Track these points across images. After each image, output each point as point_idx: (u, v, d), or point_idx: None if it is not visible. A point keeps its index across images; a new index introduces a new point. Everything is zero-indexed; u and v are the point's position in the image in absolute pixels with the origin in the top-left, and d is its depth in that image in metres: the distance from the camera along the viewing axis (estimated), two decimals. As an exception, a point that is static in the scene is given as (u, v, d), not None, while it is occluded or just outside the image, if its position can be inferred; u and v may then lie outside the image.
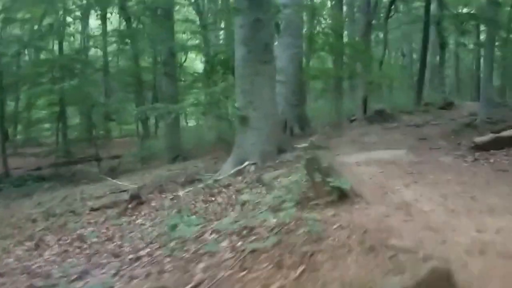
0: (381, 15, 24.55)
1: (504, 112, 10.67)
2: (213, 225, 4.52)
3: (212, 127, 16.57)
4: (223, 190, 7.01)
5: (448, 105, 23.00)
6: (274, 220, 3.72)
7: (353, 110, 19.08)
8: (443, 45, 25.44)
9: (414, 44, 32.51)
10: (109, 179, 11.87)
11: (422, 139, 9.04)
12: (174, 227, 4.29)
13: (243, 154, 8.48)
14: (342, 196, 3.97)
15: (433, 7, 23.13)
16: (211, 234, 4.21)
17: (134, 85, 22.52)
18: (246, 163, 8.21)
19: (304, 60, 15.76)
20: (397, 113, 18.52)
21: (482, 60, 29.11)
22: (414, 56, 32.91)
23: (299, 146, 9.15)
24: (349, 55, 14.56)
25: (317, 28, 18.51)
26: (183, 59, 23.75)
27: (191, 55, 24.59)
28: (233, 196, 6.32)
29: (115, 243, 5.34)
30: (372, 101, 19.72)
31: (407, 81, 25.73)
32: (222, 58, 11.90)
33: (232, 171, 8.17)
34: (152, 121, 23.78)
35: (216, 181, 7.75)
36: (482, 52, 32.12)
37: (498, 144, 6.76)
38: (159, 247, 4.29)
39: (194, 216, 5.35)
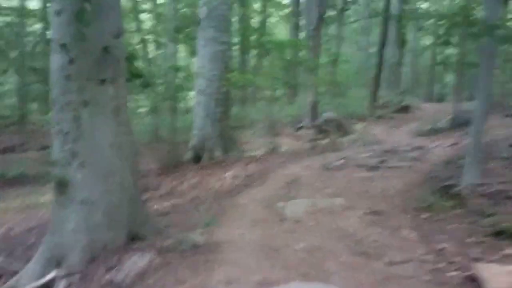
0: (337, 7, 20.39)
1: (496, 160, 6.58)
2: None
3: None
4: None
5: (404, 109, 19.26)
6: None
7: (301, 114, 15.00)
8: (402, 43, 21.44)
9: (371, 38, 28.45)
10: None
11: (374, 214, 4.93)
12: None
13: (59, 248, 4.18)
14: None
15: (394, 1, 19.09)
16: None
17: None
18: (53, 274, 3.93)
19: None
20: (349, 121, 14.54)
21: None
22: (371, 51, 28.87)
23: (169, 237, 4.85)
24: (290, 58, 10.23)
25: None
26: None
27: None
28: None
29: None
30: (324, 104, 15.67)
31: (363, 79, 21.67)
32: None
33: (30, 286, 3.91)
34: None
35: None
36: (438, 49, 28.43)
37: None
38: None
39: None
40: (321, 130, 12.71)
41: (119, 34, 4.36)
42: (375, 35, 27.55)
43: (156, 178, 8.55)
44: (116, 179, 4.31)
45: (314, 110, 14.13)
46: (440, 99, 25.42)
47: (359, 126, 14.43)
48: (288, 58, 10.22)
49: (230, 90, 9.97)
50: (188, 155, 9.48)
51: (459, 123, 12.62)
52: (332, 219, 4.90)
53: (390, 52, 20.95)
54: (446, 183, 5.52)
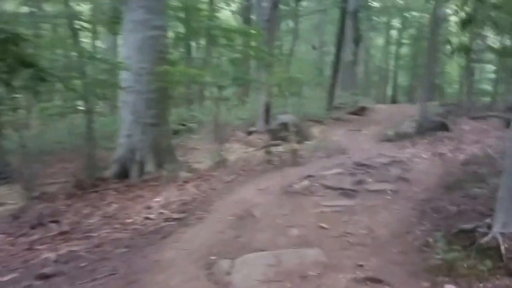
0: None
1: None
2: None
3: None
4: None
5: (361, 110, 17.85)
6: None
7: (254, 116, 13.10)
8: (357, 40, 20.02)
9: (324, 37, 27.04)
10: None
11: (370, 282, 3.03)
12: None
13: None
14: None
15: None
16: None
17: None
18: None
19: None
20: (305, 124, 12.80)
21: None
22: (324, 49, 27.47)
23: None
24: (241, 50, 8.23)
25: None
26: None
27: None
28: None
29: None
30: (278, 105, 13.84)
31: (317, 78, 20.11)
32: None
33: None
34: None
35: None
36: (392, 49, 27.52)
37: None
38: None
39: None
40: (277, 136, 10.86)
41: None
42: (327, 34, 26.21)
43: (64, 201, 6.31)
44: None
45: (268, 112, 12.27)
46: (394, 100, 24.46)
47: (317, 130, 12.72)
48: (240, 49, 8.21)
49: (168, 87, 7.85)
50: (112, 169, 7.29)
51: (426, 128, 11.22)
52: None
53: (346, 50, 19.55)
54: (465, 227, 3.74)
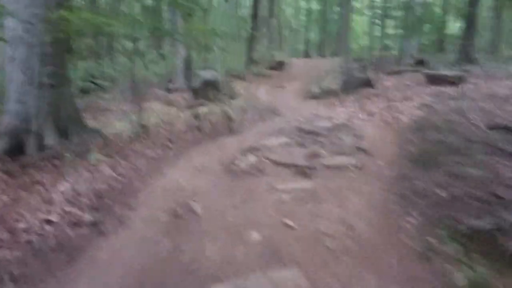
0: None
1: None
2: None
3: None
4: None
5: (279, 65, 16.83)
6: None
7: (172, 72, 11.36)
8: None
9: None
10: None
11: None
12: None
13: None
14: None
15: None
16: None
17: None
18: None
19: None
20: (228, 80, 11.46)
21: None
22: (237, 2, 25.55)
23: None
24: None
25: None
26: None
27: None
28: None
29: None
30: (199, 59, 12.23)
31: (233, 32, 18.57)
32: None
33: None
34: None
35: None
36: (303, 4, 26.51)
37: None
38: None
39: None
40: (200, 95, 9.38)
41: None
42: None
43: None
44: None
45: (189, 68, 10.64)
46: (306, 54, 23.82)
47: (240, 87, 11.43)
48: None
49: (69, 38, 5.90)
50: (1, 144, 5.36)
51: (350, 85, 10.49)
52: None
53: (261, 3, 18.08)
54: (478, 224, 2.83)
